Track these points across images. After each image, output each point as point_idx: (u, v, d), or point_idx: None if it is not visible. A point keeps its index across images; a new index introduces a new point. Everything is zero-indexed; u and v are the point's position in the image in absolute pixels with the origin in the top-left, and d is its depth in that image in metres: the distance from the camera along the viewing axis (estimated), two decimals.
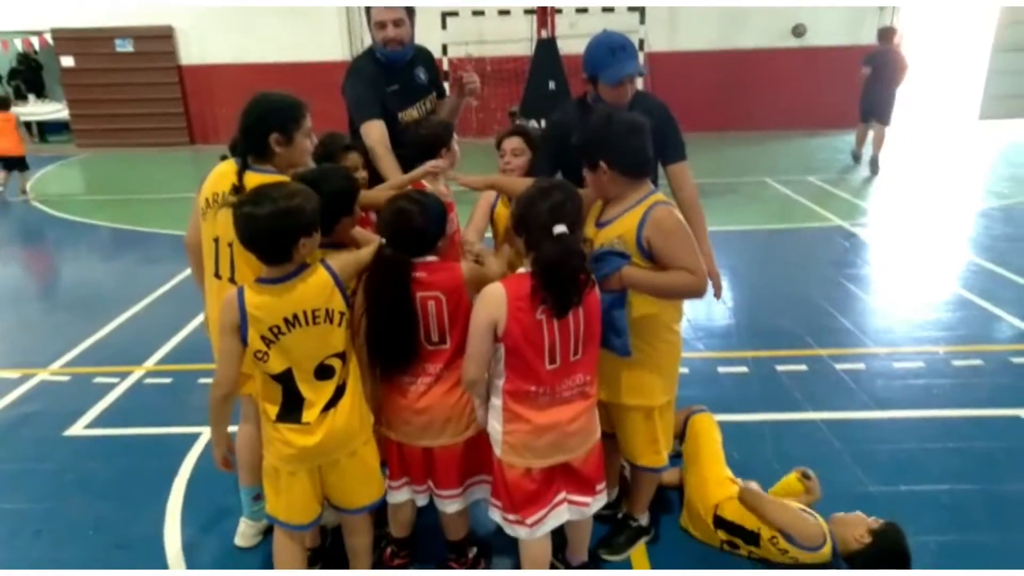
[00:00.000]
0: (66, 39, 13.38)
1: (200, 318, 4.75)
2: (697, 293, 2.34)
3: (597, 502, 2.33)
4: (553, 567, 2.45)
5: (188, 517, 3.01)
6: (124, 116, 13.66)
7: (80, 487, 3.26)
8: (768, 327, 4.79)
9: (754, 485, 2.67)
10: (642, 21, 10.93)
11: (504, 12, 11.06)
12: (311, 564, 2.57)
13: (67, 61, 13.58)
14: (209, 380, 2.77)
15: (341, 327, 2.17)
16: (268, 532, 2.78)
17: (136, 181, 10.87)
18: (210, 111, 13.90)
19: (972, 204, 8.20)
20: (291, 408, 2.15)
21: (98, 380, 4.27)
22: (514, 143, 3.06)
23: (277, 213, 1.99)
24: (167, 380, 4.28)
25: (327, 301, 2.13)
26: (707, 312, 5.05)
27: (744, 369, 4.21)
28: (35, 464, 3.45)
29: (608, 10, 10.99)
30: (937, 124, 12.49)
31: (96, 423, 3.80)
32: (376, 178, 2.98)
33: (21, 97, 14.42)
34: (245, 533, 2.82)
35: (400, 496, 2.51)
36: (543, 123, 8.28)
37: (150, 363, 4.49)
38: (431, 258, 2.29)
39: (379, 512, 2.55)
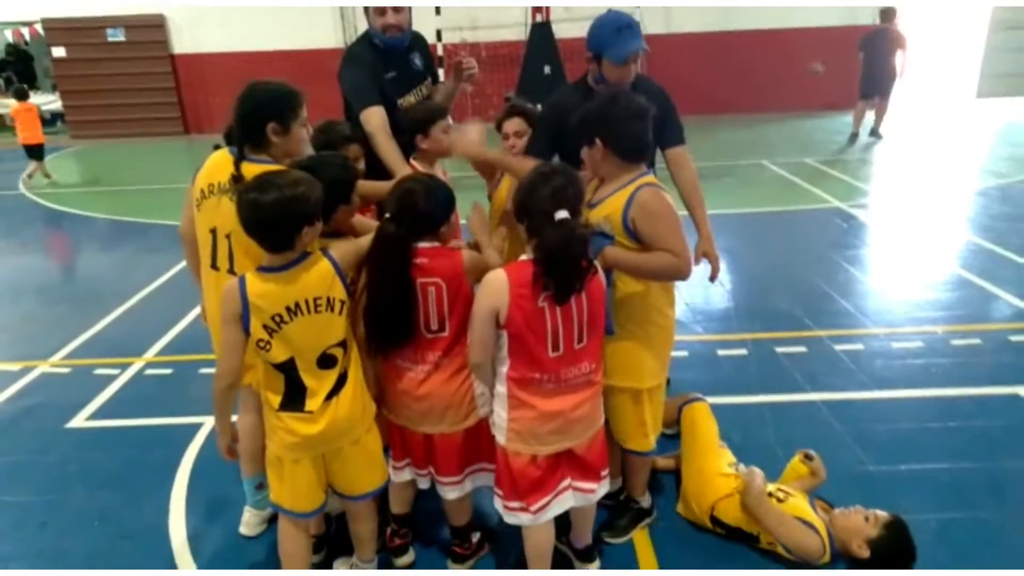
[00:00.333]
0: (57, 29, 13.29)
1: (199, 308, 4.77)
2: (679, 275, 2.34)
3: (602, 488, 2.34)
4: (557, 550, 2.47)
5: (192, 507, 3.02)
6: (117, 106, 13.59)
7: (83, 479, 3.27)
8: (767, 309, 4.79)
9: (756, 473, 2.63)
10: (637, 4, 10.88)
11: None
12: (316, 551, 2.58)
13: (58, 51, 13.49)
14: (210, 370, 2.78)
15: (342, 316, 2.17)
16: (272, 520, 2.79)
17: (131, 172, 10.83)
18: (204, 100, 13.82)
19: (970, 184, 8.20)
20: (294, 397, 2.15)
21: (99, 372, 4.27)
22: (515, 125, 3.05)
23: (282, 200, 1.99)
24: (168, 371, 4.28)
25: (328, 289, 2.13)
26: (705, 295, 5.05)
27: (743, 351, 4.22)
28: (38, 456, 3.46)
29: None
30: (934, 103, 12.47)
31: (98, 415, 3.81)
32: (375, 167, 2.97)
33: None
34: (249, 522, 2.83)
35: (402, 476, 2.53)
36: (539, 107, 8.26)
37: (150, 354, 4.49)
38: (433, 243, 2.28)
39: (382, 498, 2.56)
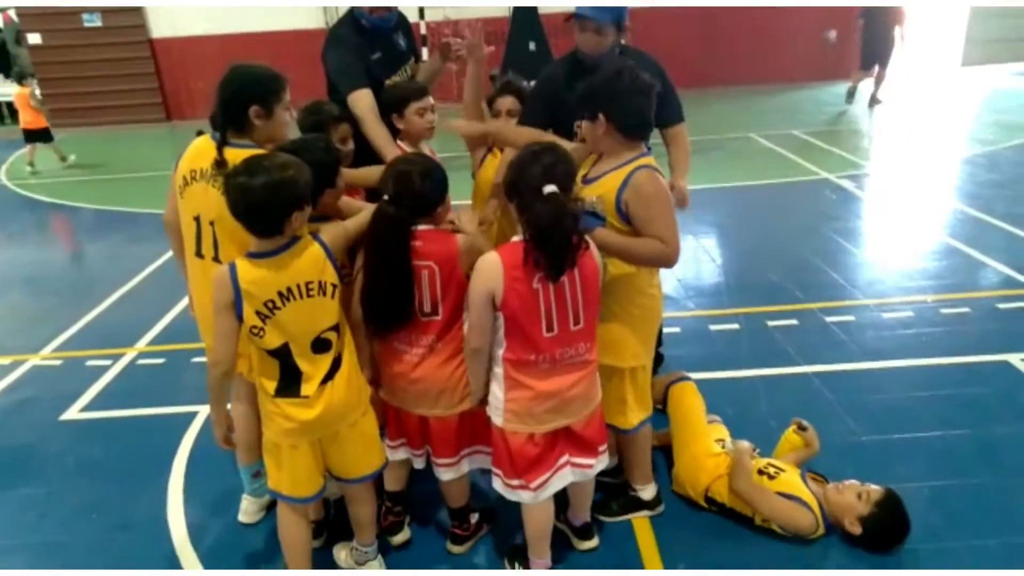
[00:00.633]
0: (31, 15, 13.00)
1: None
2: (666, 263, 2.33)
3: (600, 463, 2.35)
4: (556, 528, 2.49)
5: (190, 496, 3.02)
6: (97, 93, 13.35)
7: (80, 470, 3.26)
8: (758, 283, 4.81)
9: (743, 452, 2.65)
10: None
11: None
12: (315, 536, 2.59)
13: (34, 38, 13.23)
14: (202, 359, 2.77)
15: (335, 299, 2.16)
16: (271, 507, 2.80)
17: (114, 160, 10.69)
18: (185, 86, 13.61)
19: (957, 152, 8.23)
20: (289, 382, 2.14)
21: (91, 363, 4.25)
22: (509, 103, 3.02)
23: (271, 184, 1.97)
24: (160, 360, 4.26)
25: (320, 273, 2.11)
26: (697, 271, 5.06)
27: (735, 326, 4.24)
28: (33, 449, 3.44)
29: None
30: (920, 72, 12.46)
31: (91, 406, 3.79)
32: (363, 149, 2.95)
33: None
34: (248, 510, 2.84)
35: (397, 455, 2.54)
36: (530, 84, 8.19)
37: (142, 344, 4.47)
38: (428, 226, 2.27)
39: (380, 481, 2.57)
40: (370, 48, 3.21)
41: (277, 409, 2.17)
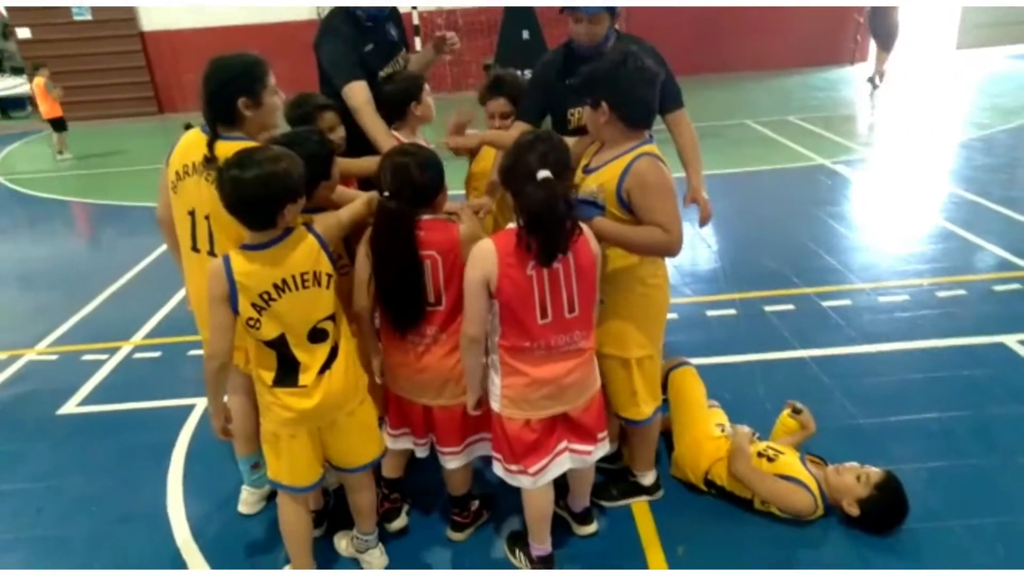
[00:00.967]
0: (21, 9, 12.90)
1: (184, 290, 4.73)
2: (668, 252, 2.31)
3: (599, 450, 2.35)
4: (555, 514, 2.49)
5: (189, 488, 3.02)
6: (88, 88, 13.27)
7: (79, 464, 3.26)
8: (754, 269, 4.81)
9: (742, 435, 2.67)
10: None
11: None
12: (316, 526, 2.59)
13: (23, 32, 13.13)
14: (199, 351, 2.76)
15: (330, 289, 2.16)
16: (271, 498, 2.80)
17: (106, 154, 10.64)
18: (176, 78, 13.54)
19: (952, 136, 8.23)
20: (287, 373, 2.14)
21: (87, 357, 4.24)
22: (501, 105, 2.99)
23: (264, 177, 1.96)
24: (156, 354, 4.25)
25: (314, 264, 2.11)
26: (693, 257, 5.06)
27: (732, 311, 4.24)
28: (31, 444, 3.44)
29: None
30: (915, 56, 12.46)
31: (89, 400, 3.79)
32: (356, 137, 2.93)
33: None
34: (248, 500, 2.84)
35: (399, 444, 2.54)
36: (524, 73, 8.17)
37: (138, 337, 4.46)
38: (428, 216, 2.26)
39: (378, 468, 2.57)
40: (363, 39, 3.18)
41: (275, 399, 2.16)
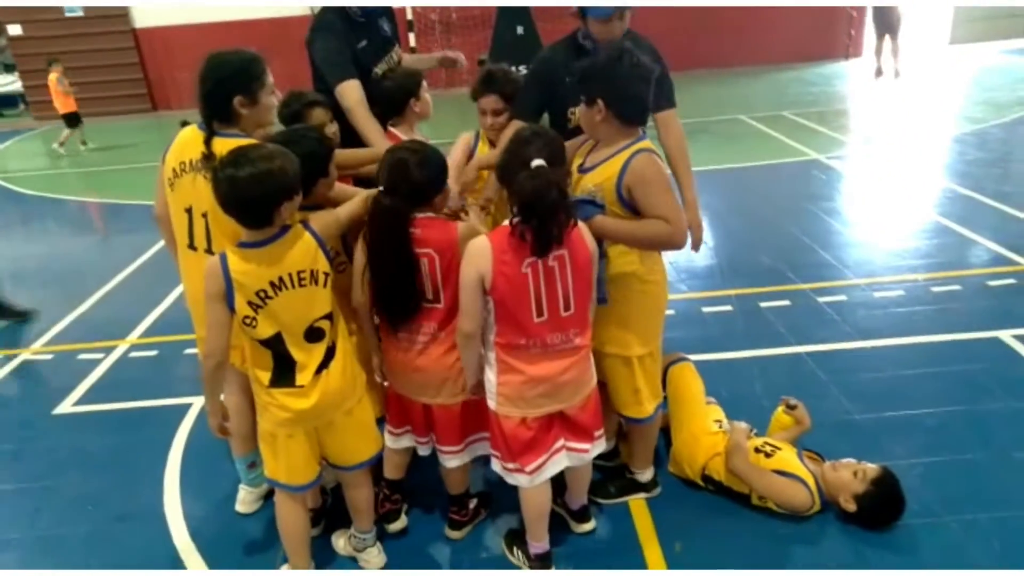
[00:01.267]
0: (12, 6, 12.81)
1: (181, 288, 4.71)
2: (674, 244, 2.30)
3: (596, 448, 2.36)
4: (553, 512, 2.50)
5: (187, 487, 3.01)
6: (81, 85, 13.12)
7: (75, 464, 3.25)
8: (750, 265, 4.82)
9: (740, 431, 2.67)
10: None
11: None
12: (313, 524, 2.59)
13: (14, 29, 13.05)
14: (195, 350, 2.76)
15: (327, 288, 2.15)
16: (268, 496, 2.80)
17: (100, 152, 10.59)
18: (170, 75, 13.49)
19: (946, 130, 8.25)
20: (283, 372, 2.14)
21: (82, 356, 4.23)
22: (492, 102, 2.96)
23: (259, 175, 1.95)
24: (152, 352, 4.24)
25: (312, 262, 2.10)
26: (689, 253, 5.04)
27: (728, 308, 4.25)
28: (27, 444, 3.43)
29: None
30: (909, 51, 12.48)
31: (84, 399, 3.78)
32: (350, 132, 2.93)
33: None
34: (245, 500, 2.84)
35: (400, 443, 2.54)
36: (518, 68, 8.16)
37: (134, 336, 4.44)
38: (427, 213, 2.25)
39: (377, 467, 2.57)
40: (356, 36, 3.17)
41: (272, 399, 2.16)
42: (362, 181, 2.82)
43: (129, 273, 5.51)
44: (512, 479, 2.31)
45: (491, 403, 2.26)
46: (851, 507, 2.48)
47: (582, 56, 2.63)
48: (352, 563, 2.55)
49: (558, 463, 2.32)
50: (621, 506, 2.72)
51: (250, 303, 2.05)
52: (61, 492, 3.05)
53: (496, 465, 2.33)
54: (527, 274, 2.08)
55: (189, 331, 2.69)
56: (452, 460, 2.47)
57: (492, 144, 2.96)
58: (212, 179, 2.01)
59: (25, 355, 4.32)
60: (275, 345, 2.12)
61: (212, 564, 2.60)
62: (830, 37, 13.65)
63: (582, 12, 2.68)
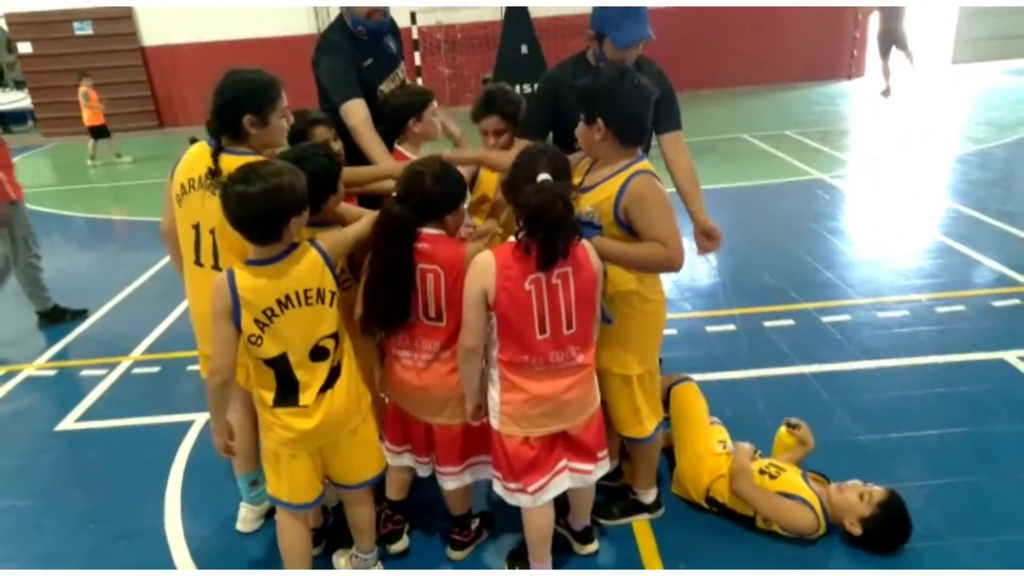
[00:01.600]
0: (22, 24, 12.97)
1: (185, 305, 4.71)
2: (671, 267, 2.30)
3: (599, 469, 2.34)
4: (556, 533, 2.48)
5: (188, 504, 3.00)
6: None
7: (77, 481, 3.24)
8: (753, 284, 4.82)
9: (743, 453, 2.66)
10: None
11: None
12: (315, 543, 2.58)
13: (24, 47, 13.18)
14: (198, 367, 2.76)
15: (333, 307, 2.15)
16: (269, 515, 2.79)
17: (107, 168, 10.65)
18: (178, 92, 13.59)
19: (949, 150, 8.26)
20: (287, 392, 2.14)
21: (85, 373, 4.23)
22: (494, 123, 2.98)
23: (269, 191, 1.96)
24: (155, 369, 4.24)
25: (319, 281, 2.11)
26: (692, 273, 5.07)
27: (732, 327, 4.24)
28: (29, 460, 3.42)
29: None
30: (911, 71, 12.52)
31: (87, 416, 3.77)
32: (354, 149, 2.95)
33: None
34: (246, 518, 2.82)
35: (400, 461, 2.53)
36: (522, 87, 8.22)
37: (137, 353, 4.45)
38: (438, 231, 2.26)
39: (379, 487, 2.56)
40: (362, 55, 3.20)
41: (276, 419, 2.16)
42: (367, 200, 2.84)
43: (133, 290, 5.52)
44: (514, 500, 2.29)
45: (494, 422, 2.25)
46: (857, 530, 2.45)
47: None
48: None
49: (561, 484, 2.30)
50: (625, 527, 2.70)
51: (256, 321, 2.05)
52: (62, 509, 3.04)
53: (498, 486, 2.32)
54: (530, 291, 2.08)
55: (192, 348, 2.70)
56: (450, 482, 2.46)
57: None
58: (221, 195, 2.02)
59: (28, 371, 4.33)
60: (278, 365, 2.12)
61: None
62: (833, 57, 13.71)
63: (600, 35, 2.71)
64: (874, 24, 11.68)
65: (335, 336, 2.17)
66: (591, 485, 2.42)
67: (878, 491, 2.49)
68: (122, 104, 13.40)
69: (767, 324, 4.21)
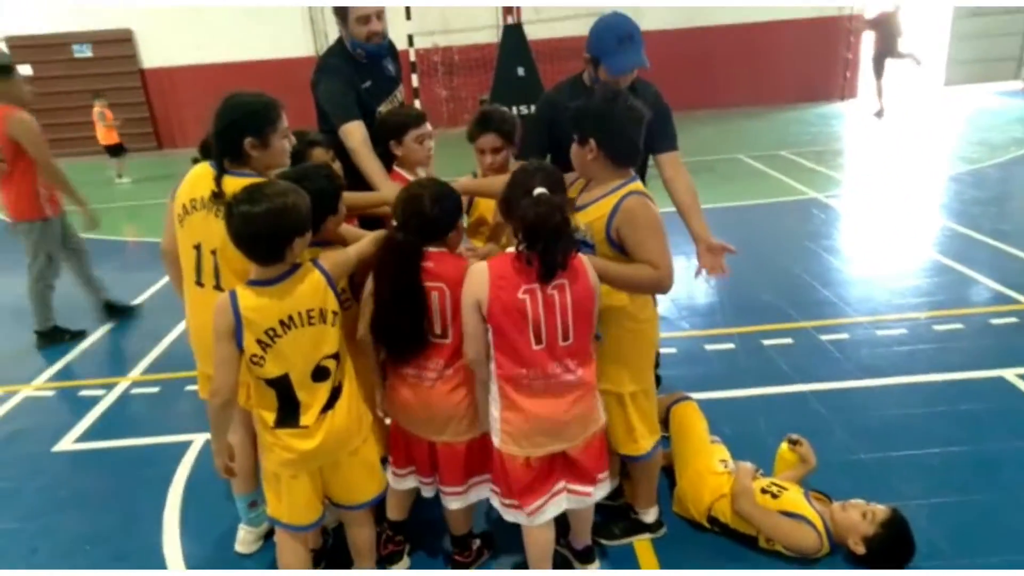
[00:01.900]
0: (22, 47, 13.05)
1: (183, 325, 4.70)
2: (660, 288, 2.32)
3: (599, 491, 2.32)
4: (557, 552, 2.47)
5: (186, 526, 2.98)
6: (88, 124, 13.34)
7: (74, 502, 3.21)
8: (752, 302, 4.83)
9: (745, 472, 2.65)
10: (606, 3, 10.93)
11: None
12: (314, 565, 2.56)
13: (25, 70, 13.25)
14: (196, 387, 2.76)
15: (335, 327, 2.16)
16: (268, 537, 2.77)
17: (104, 189, 10.67)
18: (176, 114, 13.68)
19: (943, 170, 8.34)
20: (288, 413, 2.13)
21: (84, 393, 4.21)
22: (492, 141, 3.00)
23: (274, 211, 1.97)
24: (154, 389, 4.22)
25: (322, 301, 2.12)
26: (690, 291, 5.09)
27: (731, 345, 4.25)
28: (26, 482, 3.39)
29: None
30: (905, 92, 12.67)
31: (85, 437, 3.75)
32: (353, 171, 2.96)
33: None
34: (245, 539, 2.80)
35: (404, 484, 2.51)
36: (519, 109, 8.29)
37: (135, 373, 4.43)
38: (441, 248, 2.27)
39: (380, 507, 2.55)
40: (360, 77, 3.22)
41: (277, 440, 2.15)
42: (367, 221, 2.85)
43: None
44: (510, 515, 2.28)
45: (495, 439, 2.25)
46: (860, 549, 2.44)
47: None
48: None
49: (558, 505, 2.29)
50: (626, 547, 2.68)
51: (259, 341, 2.05)
52: (59, 531, 3.02)
53: (495, 500, 2.31)
54: (525, 299, 2.08)
55: (191, 368, 2.69)
56: (454, 502, 2.44)
57: None
58: (225, 215, 2.03)
59: (27, 391, 4.30)
60: (280, 385, 2.11)
61: None
62: (827, 78, 13.88)
63: (595, 60, 2.74)
64: (867, 46, 11.87)
65: (336, 356, 2.17)
66: (590, 505, 2.41)
67: (881, 510, 2.49)
68: (121, 126, 13.48)
69: (766, 342, 4.22)
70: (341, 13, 3.18)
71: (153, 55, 13.48)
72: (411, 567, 2.65)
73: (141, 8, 12.92)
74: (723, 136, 11.22)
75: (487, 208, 3.05)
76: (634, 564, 2.60)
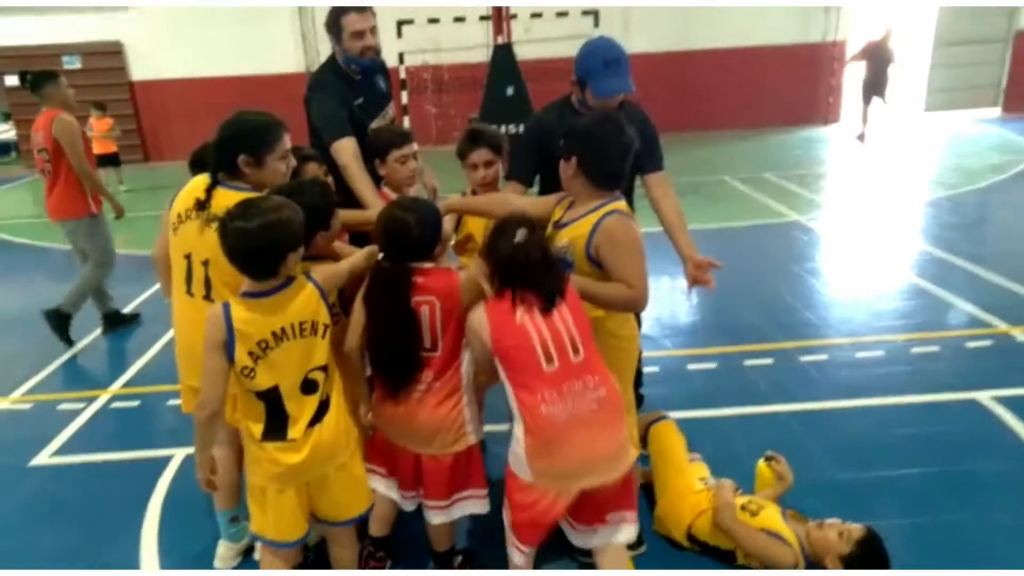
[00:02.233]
0: (9, 57, 13.00)
1: (165, 339, 4.68)
2: (634, 307, 2.37)
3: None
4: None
5: (165, 542, 2.96)
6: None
7: (51, 518, 3.18)
8: (734, 323, 4.89)
9: (726, 488, 2.68)
10: (596, 24, 11.07)
11: (459, 19, 11.08)
12: None
13: (11, 80, 13.20)
14: (178, 401, 2.75)
15: (325, 340, 2.17)
16: (247, 553, 2.76)
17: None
18: (164, 127, 13.65)
19: (921, 195, 8.47)
20: (276, 426, 2.14)
21: (63, 406, 4.17)
22: (484, 155, 3.05)
23: (267, 226, 1.99)
24: (135, 403, 4.19)
25: (313, 314, 2.13)
26: (673, 310, 5.13)
27: (713, 365, 4.29)
28: (1, 497, 3.35)
29: (562, 14, 11.10)
30: (886, 118, 12.89)
31: (63, 451, 3.71)
32: (344, 189, 2.99)
33: None
34: (224, 556, 2.78)
35: (377, 486, 2.48)
36: (507, 128, 8.36)
37: (116, 386, 4.40)
38: (427, 264, 2.30)
39: (363, 525, 2.55)
40: (353, 93, 3.26)
41: (264, 453, 2.15)
42: (358, 237, 2.87)
43: None
44: (509, 539, 2.27)
45: (524, 475, 2.15)
46: (838, 567, 2.47)
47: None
48: None
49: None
50: None
51: (251, 353, 2.06)
52: (35, 547, 2.98)
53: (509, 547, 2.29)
54: (524, 323, 2.09)
55: (173, 382, 2.69)
56: (438, 516, 2.44)
57: None
58: (220, 230, 2.05)
59: (4, 404, 4.26)
60: (270, 397, 2.12)
61: None
62: (811, 103, 14.10)
63: (581, 82, 2.78)
64: (855, 72, 12.05)
65: (325, 369, 2.18)
66: None
67: (856, 528, 2.52)
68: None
69: (747, 363, 4.26)
70: (335, 29, 3.22)
71: (142, 68, 13.48)
72: None
73: (131, 20, 12.93)
74: (709, 158, 11.35)
75: (475, 226, 3.09)
76: None
